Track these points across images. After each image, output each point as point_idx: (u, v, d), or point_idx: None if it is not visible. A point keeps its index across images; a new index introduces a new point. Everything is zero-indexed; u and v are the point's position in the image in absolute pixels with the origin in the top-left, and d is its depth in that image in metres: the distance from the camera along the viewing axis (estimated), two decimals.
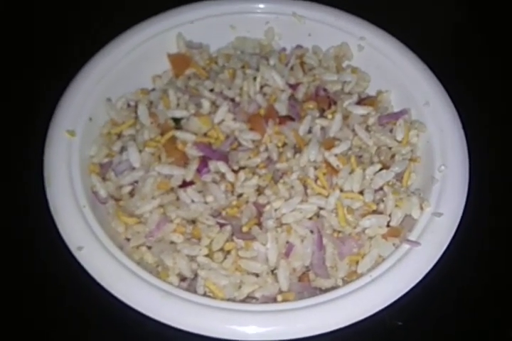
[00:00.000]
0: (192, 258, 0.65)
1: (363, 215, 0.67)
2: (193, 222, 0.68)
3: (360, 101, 0.79)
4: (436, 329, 0.70)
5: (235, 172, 0.71)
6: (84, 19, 0.94)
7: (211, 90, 0.79)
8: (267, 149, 0.74)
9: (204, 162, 0.71)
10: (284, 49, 0.87)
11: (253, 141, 0.74)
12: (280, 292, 0.64)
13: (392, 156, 0.74)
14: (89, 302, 0.64)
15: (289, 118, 0.77)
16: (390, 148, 0.75)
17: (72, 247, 0.62)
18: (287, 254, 0.65)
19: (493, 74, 0.91)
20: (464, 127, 0.73)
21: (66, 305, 0.67)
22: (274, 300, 0.63)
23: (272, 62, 0.82)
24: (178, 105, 0.78)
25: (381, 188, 0.70)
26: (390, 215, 0.67)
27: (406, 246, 0.64)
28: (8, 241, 0.73)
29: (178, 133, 0.73)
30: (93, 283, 0.60)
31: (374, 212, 0.68)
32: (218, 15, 0.85)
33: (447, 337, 0.70)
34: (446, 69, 0.79)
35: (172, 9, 0.84)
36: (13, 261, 0.72)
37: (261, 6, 0.85)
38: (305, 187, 0.70)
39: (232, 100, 0.78)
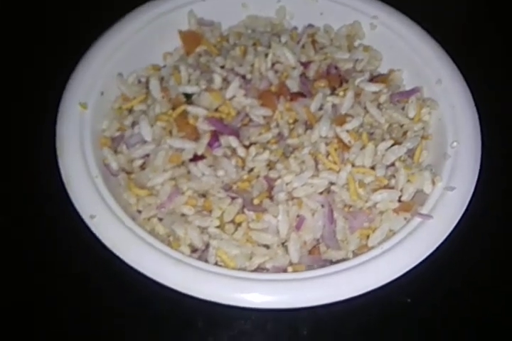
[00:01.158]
0: (203, 230, 0.65)
1: (375, 190, 0.67)
2: (204, 195, 0.69)
3: (372, 79, 0.79)
4: (445, 305, 0.70)
5: (246, 147, 0.71)
6: None
7: (222, 67, 0.79)
8: (278, 125, 0.74)
9: (215, 136, 0.71)
10: (295, 28, 0.87)
11: (264, 117, 0.74)
12: (290, 264, 0.64)
13: (404, 133, 0.74)
14: (102, 269, 0.65)
15: (301, 95, 0.76)
16: (401, 126, 0.75)
17: (85, 215, 0.62)
18: (298, 227, 0.65)
19: (506, 51, 0.90)
20: (476, 104, 0.73)
21: (78, 272, 0.67)
22: (285, 271, 0.63)
23: (283, 39, 0.82)
24: (189, 81, 0.77)
25: (393, 164, 0.69)
26: (401, 190, 0.67)
27: (417, 220, 0.64)
28: (21, 210, 0.74)
29: (190, 108, 0.73)
30: (105, 251, 0.60)
31: (385, 186, 0.68)
32: None
33: (456, 313, 0.70)
34: (459, 47, 0.79)
35: None
36: (27, 229, 0.72)
37: None
38: (316, 162, 0.70)
39: (244, 77, 0.78)
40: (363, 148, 0.70)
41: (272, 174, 0.69)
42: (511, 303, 0.71)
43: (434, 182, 0.66)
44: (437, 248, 0.63)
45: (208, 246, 0.64)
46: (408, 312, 0.70)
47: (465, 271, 0.72)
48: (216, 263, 0.63)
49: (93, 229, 0.61)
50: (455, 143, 0.69)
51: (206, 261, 0.63)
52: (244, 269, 0.63)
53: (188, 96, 0.76)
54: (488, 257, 0.72)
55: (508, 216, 0.75)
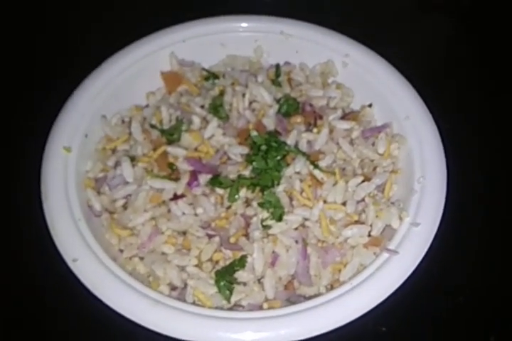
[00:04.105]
0: (182, 268, 0.68)
1: (346, 225, 0.70)
2: (184, 233, 0.72)
3: (345, 116, 0.82)
4: (419, 333, 0.73)
5: None
6: (80, 40, 0.98)
7: (202, 106, 0.83)
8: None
9: (194, 176, 0.74)
10: (272, 66, 0.91)
11: (242, 155, 0.77)
12: (266, 300, 0.67)
13: (375, 168, 0.77)
14: (83, 311, 0.67)
15: (277, 132, 0.80)
16: (372, 161, 0.78)
17: (68, 259, 0.65)
18: (273, 263, 0.68)
19: (472, 90, 0.94)
20: (443, 140, 0.76)
21: (61, 313, 0.70)
22: (260, 308, 0.66)
23: (260, 79, 0.86)
24: (170, 121, 0.81)
25: (363, 199, 0.73)
26: (371, 225, 0.71)
27: (385, 255, 0.67)
28: (6, 253, 0.76)
29: (170, 149, 0.77)
30: (87, 293, 0.63)
31: (356, 222, 0.71)
32: (209, 34, 0.88)
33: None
34: (427, 84, 0.82)
35: (164, 29, 0.88)
36: (11, 272, 0.75)
37: (250, 24, 0.89)
38: (291, 198, 0.73)
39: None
40: (335, 184, 0.73)
41: (249, 211, 0.72)
42: (484, 330, 0.74)
43: (401, 218, 0.70)
44: (409, 279, 0.66)
45: (186, 284, 0.67)
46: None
47: (438, 299, 0.75)
48: (194, 302, 0.66)
49: (75, 272, 0.64)
50: (421, 179, 0.72)
51: (185, 299, 0.66)
52: (221, 307, 0.65)
53: (169, 138, 0.79)
54: (460, 287, 0.75)
55: (474, 248, 0.78)
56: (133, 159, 0.76)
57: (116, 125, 0.82)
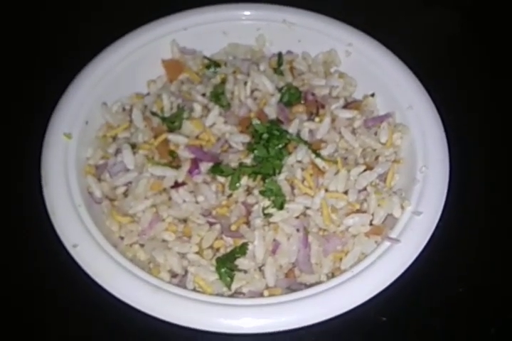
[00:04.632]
0: (183, 256, 0.68)
1: (347, 214, 0.70)
2: (185, 220, 0.71)
3: (347, 105, 0.82)
4: (419, 323, 0.72)
5: None
6: (81, 27, 0.97)
7: (203, 94, 0.82)
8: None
9: (195, 164, 0.74)
10: (274, 55, 0.90)
11: (243, 143, 0.77)
12: (267, 287, 0.67)
13: (377, 158, 0.77)
14: (83, 297, 0.67)
15: (279, 121, 0.80)
16: (374, 150, 0.78)
17: (68, 244, 0.65)
18: (274, 251, 0.68)
19: (475, 81, 0.94)
20: (446, 130, 0.76)
21: (61, 299, 0.70)
22: (261, 296, 0.66)
23: (262, 67, 0.85)
24: (171, 109, 0.81)
25: (365, 188, 0.72)
26: (372, 214, 0.70)
27: (387, 244, 0.67)
28: (6, 238, 0.76)
29: (171, 136, 0.76)
30: (87, 279, 0.63)
31: (358, 211, 0.71)
32: (211, 22, 0.88)
33: (430, 330, 0.73)
34: (430, 74, 0.82)
35: (166, 16, 0.87)
36: (11, 258, 0.75)
37: (252, 13, 0.88)
38: (292, 187, 0.73)
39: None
40: (336, 173, 0.73)
41: (250, 199, 0.72)
42: (485, 320, 0.74)
43: (403, 207, 0.69)
44: (410, 268, 0.66)
45: (187, 271, 0.66)
46: (384, 330, 0.73)
47: (439, 289, 0.75)
48: (195, 289, 0.66)
49: (76, 257, 0.63)
50: (424, 168, 0.72)
51: (185, 286, 0.65)
52: (221, 294, 0.65)
53: (170, 126, 0.79)
54: (461, 277, 0.75)
55: (476, 236, 0.78)
56: (134, 146, 0.76)
57: (117, 112, 0.81)
